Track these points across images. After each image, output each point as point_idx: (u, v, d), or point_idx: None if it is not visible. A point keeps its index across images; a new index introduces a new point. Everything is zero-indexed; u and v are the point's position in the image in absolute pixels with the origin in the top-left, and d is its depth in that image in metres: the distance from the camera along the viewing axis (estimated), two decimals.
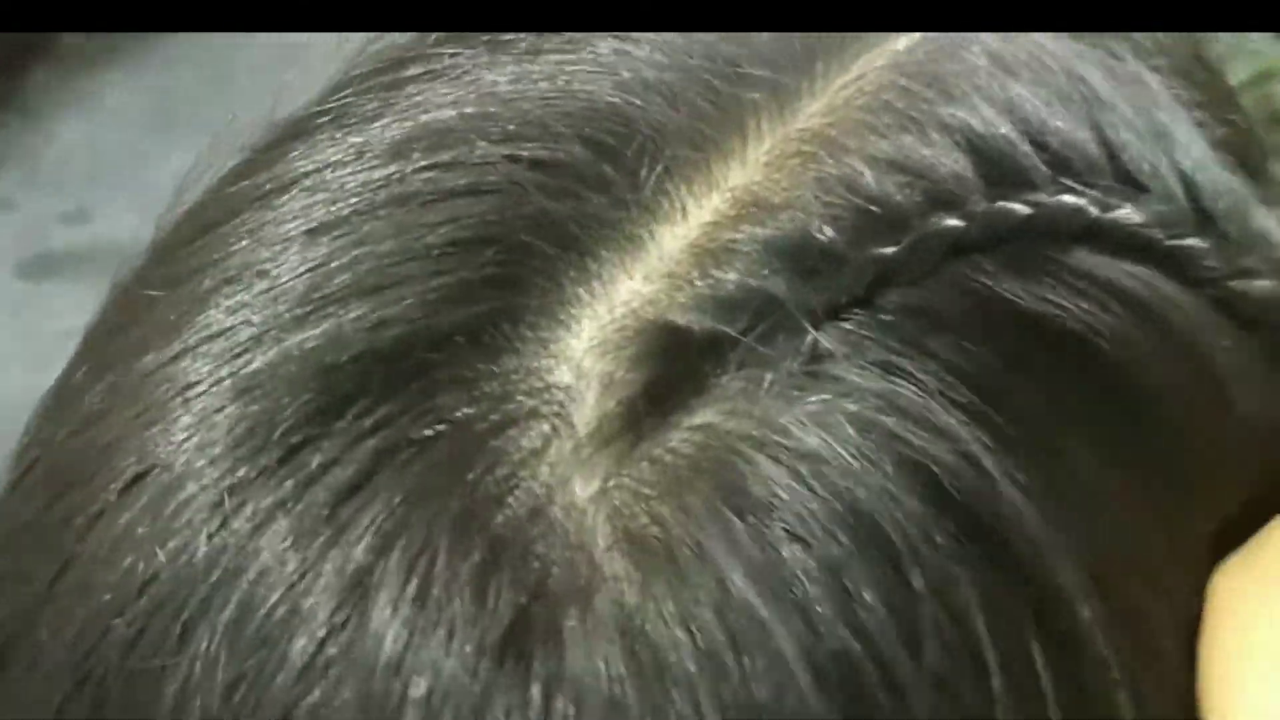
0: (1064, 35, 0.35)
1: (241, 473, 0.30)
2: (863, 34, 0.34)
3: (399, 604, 0.28)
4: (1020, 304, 0.31)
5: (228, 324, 0.31)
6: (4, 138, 1.66)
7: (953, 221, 0.31)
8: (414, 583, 0.29)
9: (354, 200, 0.32)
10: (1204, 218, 0.33)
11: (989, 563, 0.29)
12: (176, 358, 0.32)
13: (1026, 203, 0.31)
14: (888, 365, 0.30)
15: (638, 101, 0.33)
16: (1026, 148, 0.32)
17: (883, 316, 0.31)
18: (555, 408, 0.30)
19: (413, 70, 0.35)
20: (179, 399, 0.31)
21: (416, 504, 0.29)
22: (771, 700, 0.28)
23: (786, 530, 0.29)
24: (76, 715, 0.30)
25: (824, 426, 0.29)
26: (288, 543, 0.29)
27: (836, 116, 0.32)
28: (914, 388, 0.30)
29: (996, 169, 0.32)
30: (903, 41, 0.34)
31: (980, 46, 0.34)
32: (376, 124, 0.34)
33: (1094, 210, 0.32)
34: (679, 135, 0.32)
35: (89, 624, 0.30)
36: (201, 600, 0.29)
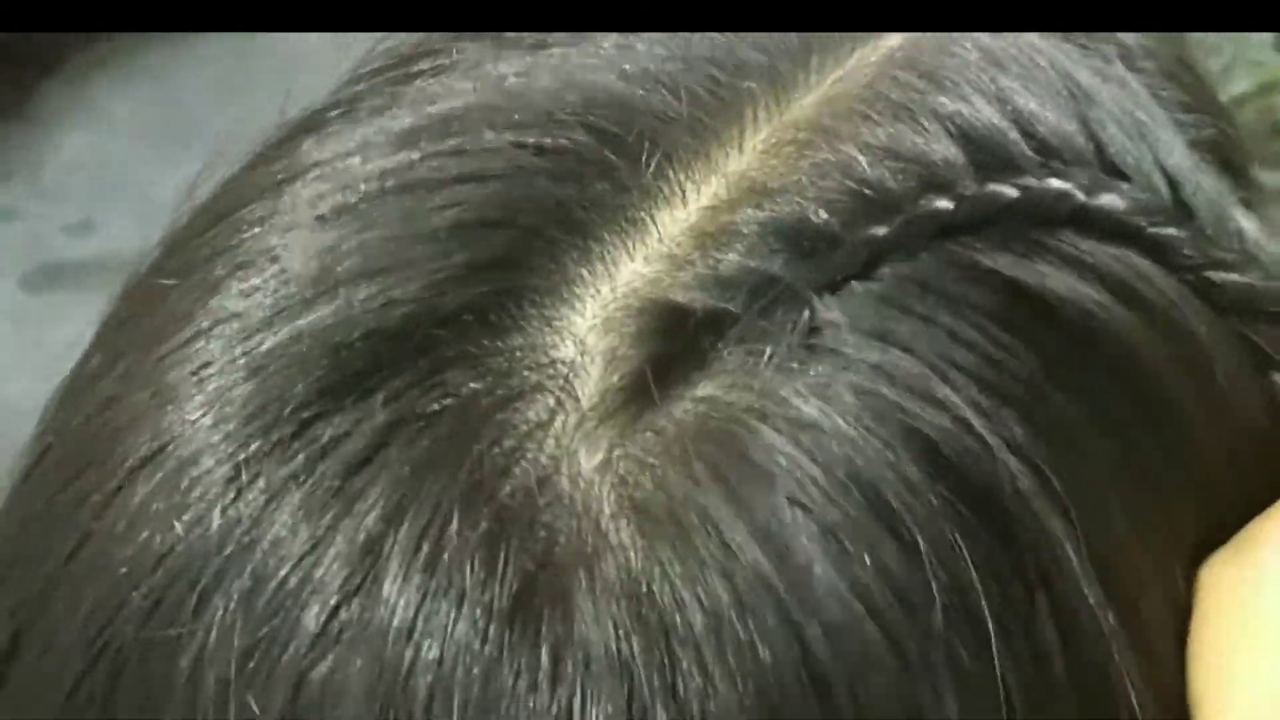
0: (1054, 35, 0.36)
1: (255, 447, 0.31)
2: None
3: (410, 572, 0.29)
4: (1010, 275, 0.32)
5: (240, 307, 0.32)
6: (9, 148, 1.66)
7: (943, 203, 0.32)
8: (424, 551, 0.29)
9: (363, 187, 0.33)
10: (1183, 210, 0.34)
11: (985, 525, 0.30)
12: (189, 341, 0.32)
13: (1015, 186, 0.32)
14: (884, 334, 0.31)
15: (639, 91, 0.34)
16: (1015, 136, 0.33)
17: (877, 288, 0.31)
18: (560, 382, 0.31)
19: (421, 65, 0.36)
20: (193, 379, 0.32)
21: (425, 475, 0.30)
22: (775, 660, 0.29)
23: (788, 496, 0.30)
24: (93, 688, 0.31)
25: (823, 397, 0.30)
26: (300, 514, 0.30)
27: (832, 106, 0.33)
28: (910, 357, 0.31)
29: (986, 155, 0.33)
30: (896, 38, 0.35)
31: (972, 42, 0.35)
32: (385, 115, 0.35)
33: (1080, 195, 0.33)
34: (679, 123, 0.33)
35: (105, 598, 0.31)
36: (216, 572, 0.30)
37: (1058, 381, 0.32)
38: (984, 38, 0.35)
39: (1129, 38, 0.37)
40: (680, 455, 0.30)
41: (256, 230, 0.34)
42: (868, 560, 0.29)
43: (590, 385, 0.31)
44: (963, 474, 0.30)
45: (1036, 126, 0.33)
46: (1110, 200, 0.33)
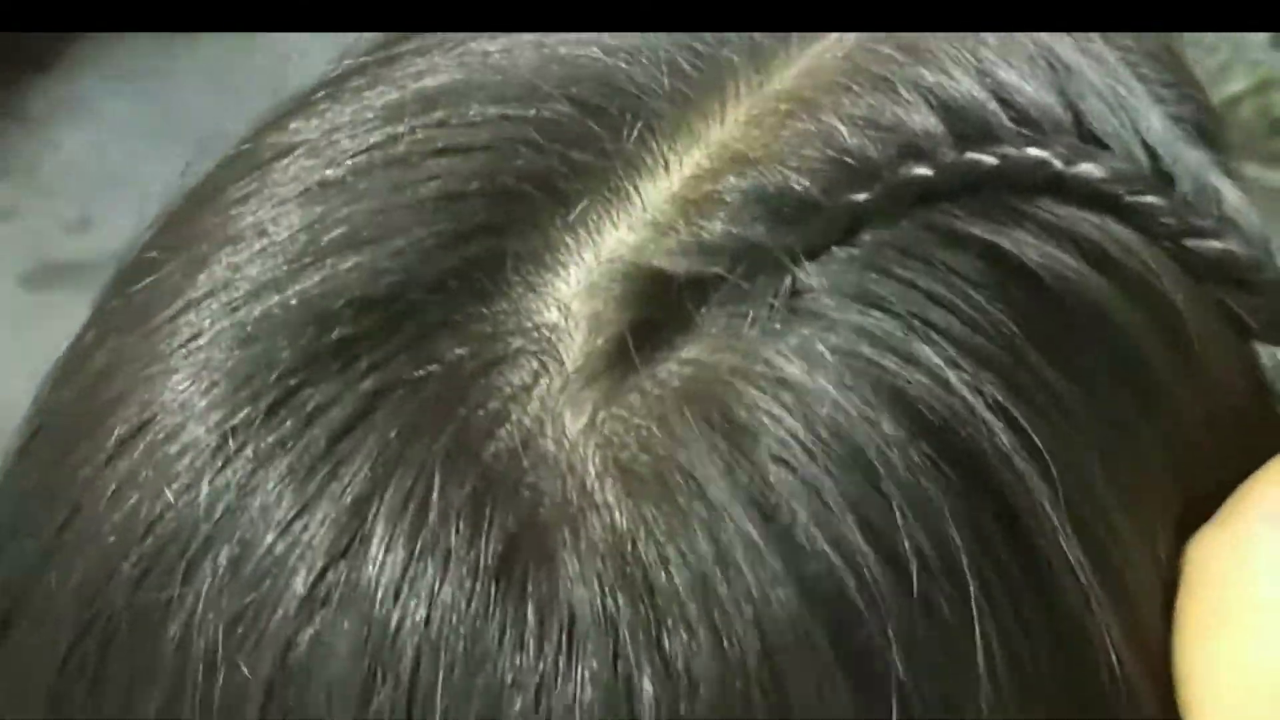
0: None
1: (242, 415, 0.31)
2: None
3: (396, 534, 0.30)
4: (988, 241, 0.32)
5: (228, 279, 0.33)
6: (6, 147, 1.67)
7: (923, 170, 0.32)
8: (410, 513, 0.30)
9: (349, 162, 0.33)
10: (1162, 179, 0.34)
11: (966, 481, 0.31)
12: (178, 314, 0.33)
13: (994, 154, 0.33)
14: (864, 297, 0.31)
15: (622, 64, 0.34)
16: (994, 106, 0.33)
17: (858, 253, 0.32)
18: (544, 345, 0.31)
19: (406, 47, 0.36)
20: (181, 351, 0.32)
21: (410, 439, 0.30)
22: (758, 615, 0.29)
23: (771, 454, 0.30)
24: (85, 657, 0.31)
25: (805, 357, 0.31)
26: (287, 480, 0.30)
27: (813, 78, 0.34)
28: (890, 318, 0.31)
29: (965, 125, 0.33)
30: None
31: None
32: (370, 92, 0.35)
33: (1058, 163, 0.33)
34: (662, 95, 0.33)
35: (95, 568, 0.31)
36: (205, 538, 0.30)
37: (1036, 343, 0.32)
38: None
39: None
40: (665, 416, 0.30)
41: (244, 207, 0.34)
42: (850, 516, 0.30)
43: (575, 349, 0.31)
44: (943, 431, 0.31)
45: (1015, 97, 0.34)
46: (1088, 169, 0.33)
